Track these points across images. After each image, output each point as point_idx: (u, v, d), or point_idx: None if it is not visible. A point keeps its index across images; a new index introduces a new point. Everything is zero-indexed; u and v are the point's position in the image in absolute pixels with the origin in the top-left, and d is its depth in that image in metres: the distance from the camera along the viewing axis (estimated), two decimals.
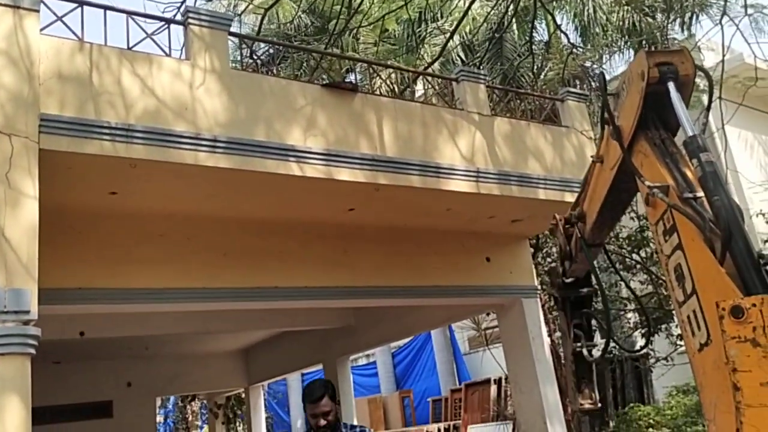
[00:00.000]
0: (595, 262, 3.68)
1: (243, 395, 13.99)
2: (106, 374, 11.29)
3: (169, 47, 4.97)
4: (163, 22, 5.04)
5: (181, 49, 5.09)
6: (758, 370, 2.22)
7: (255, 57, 6.53)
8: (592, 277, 3.80)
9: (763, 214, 10.16)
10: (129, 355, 11.19)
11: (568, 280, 3.72)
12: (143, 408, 11.75)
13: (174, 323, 8.30)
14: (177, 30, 5.05)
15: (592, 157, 3.29)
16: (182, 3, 6.12)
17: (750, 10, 8.62)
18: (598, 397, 3.84)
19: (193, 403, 19.62)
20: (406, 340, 17.57)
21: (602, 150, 3.19)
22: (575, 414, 3.98)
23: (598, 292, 3.78)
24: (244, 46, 6.31)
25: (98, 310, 5.56)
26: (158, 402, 15.80)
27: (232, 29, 5.35)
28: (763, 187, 11.20)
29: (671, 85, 2.69)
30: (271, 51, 10.15)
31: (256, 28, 8.95)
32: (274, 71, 6.30)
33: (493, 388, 13.63)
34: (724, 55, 7.64)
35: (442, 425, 15.12)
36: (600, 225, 3.39)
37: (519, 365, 7.14)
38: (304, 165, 5.01)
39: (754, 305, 2.25)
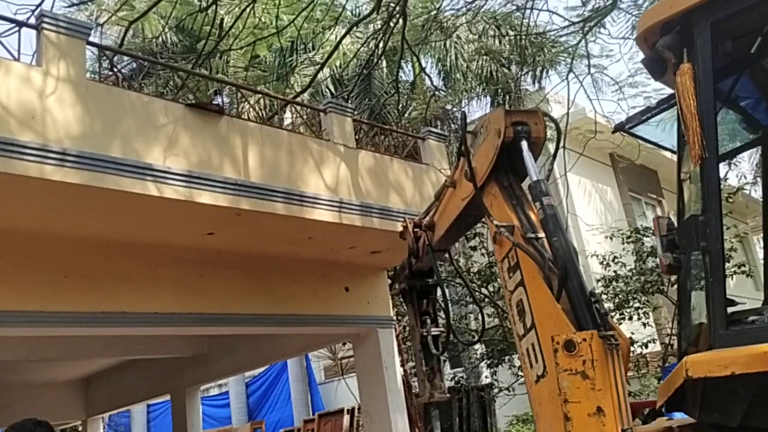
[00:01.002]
0: (449, 294, 3.90)
1: (80, 428, 12.96)
2: None
3: (19, 51, 4.66)
4: (13, 24, 4.71)
5: (33, 55, 4.77)
6: (586, 401, 2.42)
7: (115, 70, 6.24)
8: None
9: (597, 256, 11.12)
10: None
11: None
12: None
13: (5, 349, 7.57)
14: (30, 34, 4.74)
15: (446, 180, 3.53)
16: (38, 6, 5.74)
17: (593, 70, 9.52)
18: (446, 387, 4.09)
19: None
20: (261, 370, 17.19)
21: (456, 177, 3.41)
22: (426, 407, 4.20)
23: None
24: (104, 57, 6.01)
25: None
26: None
27: (92, 39, 5.09)
28: (598, 231, 12.27)
29: (524, 145, 2.97)
30: (134, 65, 9.73)
31: (120, 41, 8.57)
32: (137, 87, 6.04)
33: (346, 418, 13.62)
34: (569, 109, 8.37)
35: None
36: (447, 237, 3.70)
37: (372, 395, 7.23)
38: (162, 185, 4.83)
39: (584, 340, 2.46)
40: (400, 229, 4.04)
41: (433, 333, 3.86)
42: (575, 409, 2.40)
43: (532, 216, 2.94)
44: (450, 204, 3.53)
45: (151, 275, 5.74)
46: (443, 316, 4.00)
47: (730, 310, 2.47)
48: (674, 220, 2.72)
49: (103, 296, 5.44)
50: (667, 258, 2.53)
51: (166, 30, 11.09)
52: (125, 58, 9.68)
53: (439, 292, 4.08)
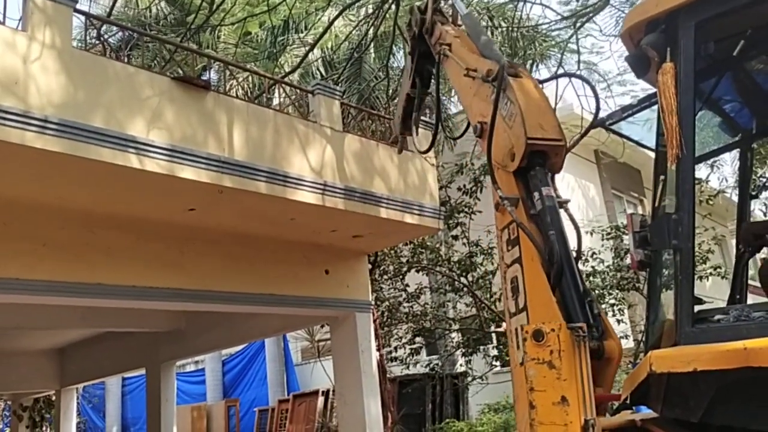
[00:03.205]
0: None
1: (53, 398, 12.93)
2: None
3: (4, 15, 4.59)
4: None
5: (19, 20, 4.70)
6: (551, 390, 2.45)
7: (102, 39, 6.16)
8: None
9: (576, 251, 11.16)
10: None
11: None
12: None
13: None
14: None
15: (472, 71, 3.40)
16: None
17: (582, 66, 9.55)
18: (430, 136, 4.82)
19: None
20: (239, 348, 17.20)
21: (478, 75, 3.31)
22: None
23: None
24: (91, 26, 5.93)
25: None
26: None
27: (80, 7, 5.02)
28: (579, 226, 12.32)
29: (538, 169, 2.91)
30: (122, 36, 9.58)
31: (109, 10, 8.44)
32: (124, 58, 5.97)
33: (321, 400, 13.70)
34: (556, 104, 8.38)
35: None
36: None
37: (346, 377, 7.27)
38: (144, 158, 4.80)
39: (552, 330, 2.49)
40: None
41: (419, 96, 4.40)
42: (540, 397, 2.44)
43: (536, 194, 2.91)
44: (461, 83, 3.56)
45: (130, 248, 5.71)
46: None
47: (697, 308, 2.51)
48: (648, 218, 2.75)
49: (81, 267, 5.40)
50: (639, 254, 2.56)
51: (157, 1, 10.93)
52: (114, 28, 9.55)
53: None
